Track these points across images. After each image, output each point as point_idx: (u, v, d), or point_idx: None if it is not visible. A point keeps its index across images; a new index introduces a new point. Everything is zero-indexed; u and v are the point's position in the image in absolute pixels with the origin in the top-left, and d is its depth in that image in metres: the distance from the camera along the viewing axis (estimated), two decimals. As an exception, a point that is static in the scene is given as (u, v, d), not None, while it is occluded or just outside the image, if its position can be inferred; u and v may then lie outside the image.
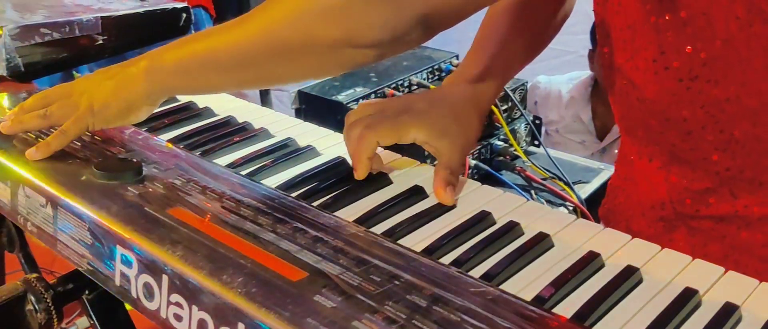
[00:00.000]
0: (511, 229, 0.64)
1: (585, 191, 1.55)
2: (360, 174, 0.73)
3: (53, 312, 0.70)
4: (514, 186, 1.61)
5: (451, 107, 0.77)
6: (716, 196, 0.71)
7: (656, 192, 0.76)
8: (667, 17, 0.64)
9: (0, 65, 1.03)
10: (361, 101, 1.56)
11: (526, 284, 0.58)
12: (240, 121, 0.90)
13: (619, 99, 0.75)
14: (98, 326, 0.74)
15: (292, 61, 0.68)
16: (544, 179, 1.56)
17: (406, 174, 0.77)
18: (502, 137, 1.72)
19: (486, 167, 1.66)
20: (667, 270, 0.59)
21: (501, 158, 1.70)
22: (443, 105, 0.76)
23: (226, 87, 0.78)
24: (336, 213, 0.68)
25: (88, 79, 0.79)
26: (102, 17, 1.08)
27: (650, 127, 0.72)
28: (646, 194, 0.78)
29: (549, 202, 1.38)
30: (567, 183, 1.52)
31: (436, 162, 0.74)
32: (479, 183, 0.74)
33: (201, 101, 0.96)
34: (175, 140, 0.85)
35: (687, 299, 0.55)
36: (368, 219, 0.68)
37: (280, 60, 0.68)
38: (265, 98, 2.42)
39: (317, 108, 1.56)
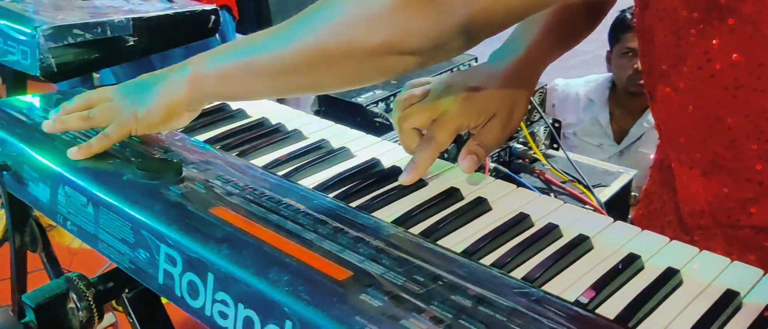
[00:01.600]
0: (550, 231, 0.65)
1: (604, 194, 1.55)
2: (411, 181, 0.74)
3: (94, 310, 0.71)
4: (534, 189, 1.62)
5: (500, 90, 0.77)
6: (758, 206, 0.70)
7: (695, 200, 0.76)
8: (713, 24, 0.64)
9: (33, 65, 1.04)
10: (380, 103, 1.57)
11: (567, 286, 0.59)
12: (273, 123, 0.91)
13: (660, 105, 0.75)
14: (137, 324, 0.75)
15: (333, 68, 0.68)
16: (564, 182, 1.56)
17: (440, 176, 0.78)
18: (521, 139, 1.72)
19: (505, 169, 1.66)
20: (706, 272, 0.60)
21: (520, 160, 1.70)
22: (490, 87, 0.77)
23: (267, 94, 0.79)
24: (373, 214, 0.69)
25: (130, 84, 0.80)
26: (133, 18, 1.09)
27: (692, 134, 0.72)
28: (684, 202, 0.78)
29: (568, 205, 1.38)
30: (587, 186, 1.52)
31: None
32: (514, 186, 0.75)
33: (234, 102, 0.97)
34: (210, 142, 0.86)
35: (728, 301, 0.56)
36: (405, 221, 0.69)
37: (322, 67, 0.69)
38: (282, 100, 2.43)
39: (337, 110, 1.57)
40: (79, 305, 0.70)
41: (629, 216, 1.29)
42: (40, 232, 1.48)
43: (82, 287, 0.71)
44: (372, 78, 0.71)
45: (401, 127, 0.76)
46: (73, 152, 0.77)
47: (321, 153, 0.83)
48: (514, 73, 0.78)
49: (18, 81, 1.35)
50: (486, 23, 0.64)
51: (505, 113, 0.77)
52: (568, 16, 0.83)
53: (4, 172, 0.83)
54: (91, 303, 0.71)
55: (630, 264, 0.60)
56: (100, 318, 0.72)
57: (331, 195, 0.73)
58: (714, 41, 0.65)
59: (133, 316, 0.74)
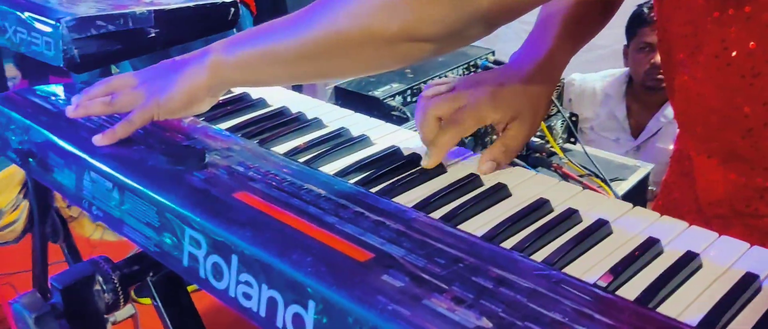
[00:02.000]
0: (570, 216, 0.66)
1: (622, 188, 1.56)
2: (433, 164, 0.75)
3: (120, 292, 0.72)
4: (551, 182, 1.62)
5: (524, 86, 0.78)
6: None
7: (714, 189, 0.76)
8: (730, 12, 0.64)
9: (57, 56, 1.06)
10: (397, 97, 1.58)
11: (586, 269, 0.59)
12: (293, 112, 0.92)
13: (678, 95, 0.76)
14: (161, 307, 0.76)
15: (351, 55, 0.69)
16: (581, 176, 1.56)
17: (459, 163, 0.78)
18: (538, 133, 1.72)
19: (522, 163, 1.67)
20: (726, 255, 0.60)
21: (537, 154, 1.71)
22: (515, 85, 0.78)
23: (285, 80, 0.80)
24: (393, 199, 0.70)
25: (152, 70, 0.81)
26: (155, 10, 1.11)
27: (710, 123, 0.72)
28: (703, 191, 0.78)
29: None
30: (604, 180, 1.52)
31: (495, 138, 0.76)
32: (534, 172, 0.75)
33: (255, 92, 0.98)
34: (232, 130, 0.87)
35: (748, 284, 0.56)
36: (426, 206, 0.69)
37: (340, 54, 0.70)
38: (299, 91, 2.45)
39: (354, 103, 1.58)
40: (105, 287, 0.72)
41: (647, 209, 1.28)
42: (61, 223, 1.50)
43: (108, 270, 0.72)
44: (389, 65, 0.72)
45: (426, 114, 0.77)
46: (97, 139, 0.78)
47: (341, 141, 0.84)
48: (537, 73, 0.79)
49: (40, 75, 1.37)
50: (504, 10, 0.65)
51: (529, 112, 0.78)
52: (583, 10, 0.83)
53: (30, 159, 0.84)
54: (117, 285, 0.72)
55: (649, 247, 0.61)
56: (126, 300, 0.73)
57: (352, 181, 0.74)
58: (731, 29, 0.65)
59: (157, 299, 0.76)
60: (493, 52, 1.77)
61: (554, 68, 0.82)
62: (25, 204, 1.74)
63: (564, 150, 1.71)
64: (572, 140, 1.78)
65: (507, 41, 2.10)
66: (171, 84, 0.77)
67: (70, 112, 0.83)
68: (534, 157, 1.71)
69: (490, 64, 1.70)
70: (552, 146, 1.70)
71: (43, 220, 1.40)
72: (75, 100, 0.83)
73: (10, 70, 2.79)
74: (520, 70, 0.79)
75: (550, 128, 1.72)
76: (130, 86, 0.81)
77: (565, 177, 1.65)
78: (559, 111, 1.78)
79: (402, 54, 0.68)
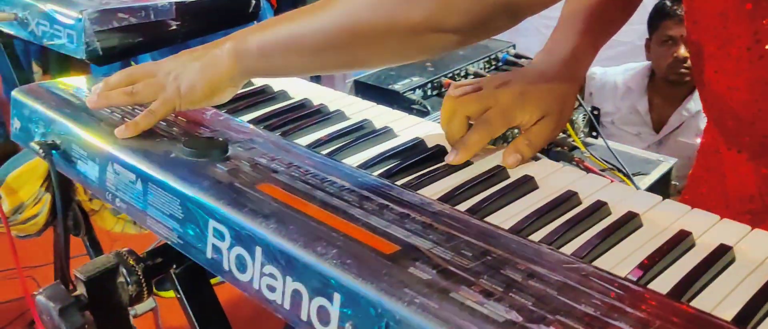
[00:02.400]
0: (599, 209, 0.64)
1: (644, 183, 1.54)
2: (461, 162, 0.74)
3: (144, 284, 0.72)
4: (573, 176, 1.60)
5: (551, 86, 0.77)
6: None
7: (744, 184, 0.75)
8: (763, 4, 0.63)
9: (79, 49, 1.06)
10: (417, 90, 1.57)
11: (616, 262, 0.58)
12: (315, 104, 0.92)
13: (707, 88, 0.74)
14: (184, 299, 0.76)
15: (373, 45, 0.68)
16: (603, 170, 1.55)
17: (484, 156, 0.77)
18: (560, 127, 1.71)
19: (544, 157, 1.66)
20: (759, 249, 0.59)
21: (559, 148, 1.69)
22: (542, 84, 0.77)
23: (307, 70, 0.79)
24: (418, 192, 0.69)
25: (173, 60, 0.81)
26: (176, 3, 1.11)
27: (741, 117, 0.71)
28: (733, 186, 0.77)
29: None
30: (626, 175, 1.50)
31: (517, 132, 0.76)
32: (561, 164, 0.74)
33: (276, 84, 0.98)
34: (253, 122, 0.86)
35: (783, 278, 0.55)
36: (452, 198, 0.68)
37: (362, 44, 0.69)
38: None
39: (374, 97, 1.57)
40: (128, 279, 0.72)
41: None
42: (83, 217, 1.51)
43: (131, 262, 0.72)
44: (412, 56, 0.71)
45: (454, 113, 0.75)
46: (120, 131, 0.78)
47: (364, 132, 0.83)
48: (562, 73, 0.78)
49: (62, 70, 1.38)
50: (528, 2, 0.64)
51: (556, 111, 0.77)
52: (605, 7, 0.82)
53: (53, 151, 0.84)
54: (141, 277, 0.72)
55: (681, 240, 0.59)
56: (149, 292, 0.73)
57: (376, 173, 0.73)
58: (764, 22, 0.63)
59: (180, 291, 0.76)
60: (514, 46, 1.75)
61: (579, 66, 0.81)
62: (47, 198, 1.75)
63: (586, 144, 1.69)
64: (594, 134, 1.77)
65: (528, 36, 2.09)
66: (192, 74, 0.77)
67: (91, 102, 0.82)
68: (555, 151, 1.69)
69: (511, 58, 1.69)
70: (574, 140, 1.69)
71: (65, 213, 1.40)
72: (95, 89, 0.83)
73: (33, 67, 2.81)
74: (546, 70, 0.78)
75: (571, 122, 1.70)
76: (151, 75, 0.80)
77: (587, 171, 1.63)
78: (580, 105, 1.77)
79: (425, 45, 0.67)
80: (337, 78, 2.97)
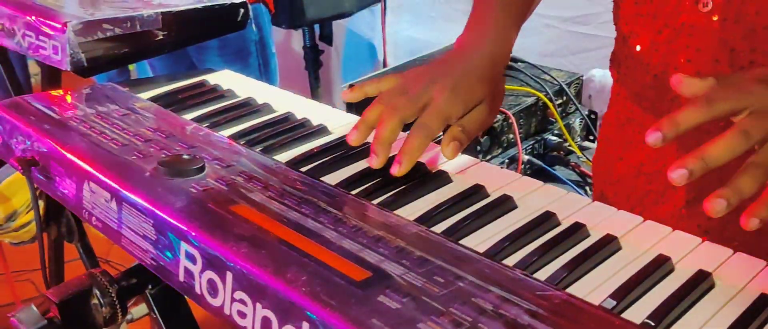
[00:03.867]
0: (577, 231, 0.63)
1: (642, 187, 1.51)
2: (407, 170, 0.72)
3: (118, 306, 0.71)
4: (569, 182, 1.59)
5: (479, 73, 0.78)
6: None
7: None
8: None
9: (64, 60, 1.05)
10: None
11: (592, 288, 0.57)
12: (298, 117, 0.91)
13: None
14: (160, 320, 0.75)
15: None
16: (600, 175, 1.52)
17: (465, 172, 0.76)
18: (556, 131, 1.69)
19: (539, 162, 1.64)
20: (740, 274, 0.57)
21: (555, 153, 1.68)
22: (471, 74, 0.78)
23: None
24: (396, 211, 0.68)
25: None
26: (162, 13, 1.10)
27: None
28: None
29: (606, 199, 1.34)
30: (623, 179, 1.48)
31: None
32: (541, 183, 0.73)
33: (260, 96, 0.97)
34: (235, 136, 0.85)
35: (763, 305, 0.53)
36: (428, 219, 0.67)
37: None
38: (314, 93, 2.45)
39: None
40: (102, 301, 0.71)
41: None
42: (76, 223, 1.50)
43: (105, 283, 0.71)
44: None
45: (392, 117, 0.74)
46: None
47: (346, 148, 0.82)
48: (487, 58, 0.80)
49: (52, 77, 1.37)
50: None
51: (489, 97, 0.78)
52: None
53: (33, 167, 0.83)
54: (115, 299, 0.71)
55: (659, 265, 0.58)
56: (123, 314, 0.72)
57: (355, 192, 0.72)
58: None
59: (156, 313, 0.75)
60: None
61: (504, 45, 0.82)
62: (40, 205, 1.75)
63: (582, 148, 1.68)
64: (591, 138, 1.75)
65: (528, 36, 2.06)
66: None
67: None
68: (551, 155, 1.68)
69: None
70: (570, 145, 1.67)
71: (56, 223, 1.40)
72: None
73: (34, 67, 2.81)
74: (472, 57, 0.79)
75: (568, 127, 1.69)
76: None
77: (584, 176, 1.61)
78: (577, 109, 1.75)
79: None
80: (335, 82, 2.97)
